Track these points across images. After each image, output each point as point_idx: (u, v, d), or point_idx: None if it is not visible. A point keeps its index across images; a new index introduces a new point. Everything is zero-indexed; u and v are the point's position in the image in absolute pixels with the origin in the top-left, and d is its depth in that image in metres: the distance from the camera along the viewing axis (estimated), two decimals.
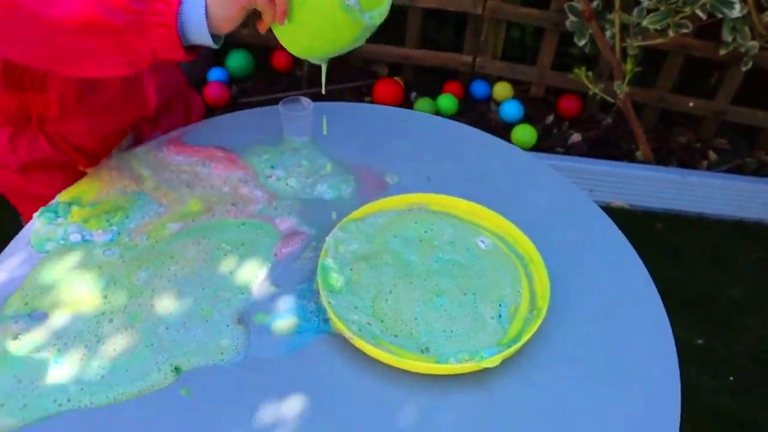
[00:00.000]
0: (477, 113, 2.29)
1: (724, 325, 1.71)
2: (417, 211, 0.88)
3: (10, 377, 0.66)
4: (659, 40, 1.79)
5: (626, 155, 2.12)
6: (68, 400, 0.64)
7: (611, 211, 2.02)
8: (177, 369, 0.67)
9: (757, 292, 1.80)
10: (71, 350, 0.69)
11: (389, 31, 2.47)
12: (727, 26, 1.77)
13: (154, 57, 0.70)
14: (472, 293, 0.76)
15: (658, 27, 1.65)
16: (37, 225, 0.85)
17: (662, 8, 1.62)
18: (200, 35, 0.70)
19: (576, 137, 2.16)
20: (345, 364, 0.70)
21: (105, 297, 0.75)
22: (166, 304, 0.75)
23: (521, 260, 0.81)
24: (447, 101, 2.24)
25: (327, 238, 0.81)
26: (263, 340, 0.71)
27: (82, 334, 0.71)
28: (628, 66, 1.77)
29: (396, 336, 0.71)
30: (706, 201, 2.00)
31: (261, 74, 2.45)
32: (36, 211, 0.88)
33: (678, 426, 0.66)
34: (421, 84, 2.42)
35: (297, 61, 2.44)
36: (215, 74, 2.34)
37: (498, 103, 2.29)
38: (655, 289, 0.82)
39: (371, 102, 2.32)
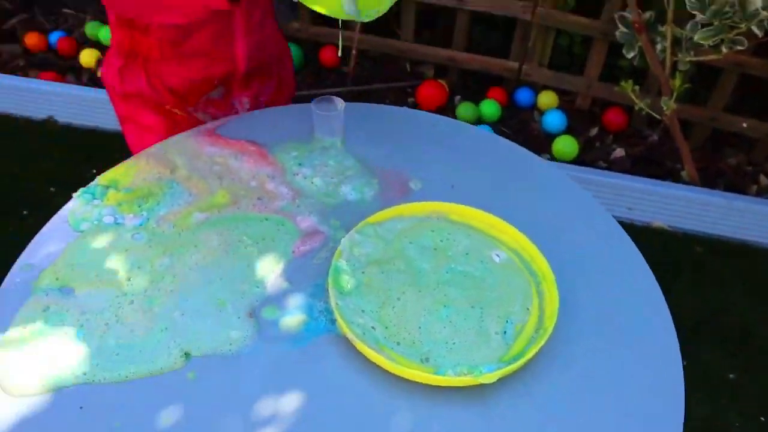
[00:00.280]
0: (519, 121, 2.27)
1: (759, 361, 1.64)
2: (435, 220, 0.89)
3: (34, 347, 0.71)
4: (712, 57, 1.72)
5: (671, 174, 2.05)
6: (84, 374, 0.68)
7: (650, 232, 1.97)
8: (187, 354, 0.71)
9: None
10: (92, 327, 0.73)
11: (437, 31, 2.47)
12: None
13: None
14: (480, 307, 0.76)
15: (710, 43, 1.59)
16: (76, 205, 0.91)
17: (716, 23, 1.56)
18: None
19: (619, 152, 2.10)
20: (348, 366, 0.71)
21: (129, 279, 0.79)
22: (184, 291, 0.78)
23: (534, 277, 0.81)
24: (490, 107, 2.22)
25: (342, 240, 0.82)
26: (271, 333, 0.74)
27: (103, 312, 0.75)
28: (677, 82, 1.71)
29: (398, 343, 0.72)
30: (752, 228, 1.92)
31: (309, 69, 2.49)
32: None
33: None
34: (465, 88, 2.41)
35: (344, 59, 2.46)
36: None
37: (542, 113, 2.26)
38: (669, 317, 0.80)
39: (414, 103, 2.33)
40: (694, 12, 1.59)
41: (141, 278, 0.79)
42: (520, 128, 2.23)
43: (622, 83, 1.85)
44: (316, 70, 2.49)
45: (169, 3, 0.96)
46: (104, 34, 2.48)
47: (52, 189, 1.96)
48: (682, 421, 0.68)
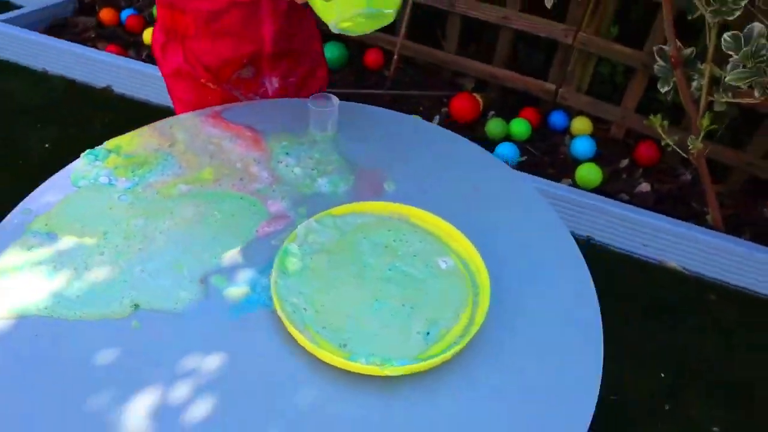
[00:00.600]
0: (549, 144, 2.26)
1: (754, 420, 1.57)
2: (396, 220, 0.93)
3: (11, 278, 0.81)
4: (749, 100, 1.67)
5: (696, 216, 1.99)
6: (45, 308, 0.77)
7: (662, 270, 1.92)
8: (136, 305, 0.79)
9: None
10: (62, 269, 0.82)
11: (482, 46, 2.49)
12: None
13: None
14: (411, 306, 0.80)
15: (742, 85, 1.55)
16: (80, 163, 1.01)
17: (749, 65, 1.51)
18: None
19: (645, 186, 2.06)
20: (275, 340, 0.77)
21: (105, 234, 0.88)
22: (150, 251, 0.86)
23: (474, 288, 0.84)
24: (520, 126, 2.23)
25: (299, 226, 0.88)
26: (215, 300, 0.81)
27: (75, 259, 0.84)
28: (704, 121, 1.67)
29: (324, 327, 0.77)
30: None
31: (352, 68, 2.57)
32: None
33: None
34: (503, 104, 2.42)
35: (386, 62, 2.53)
36: None
37: (573, 137, 2.24)
38: (600, 344, 0.80)
39: (447, 113, 2.37)
40: (728, 51, 1.55)
41: (115, 234, 0.88)
42: (549, 150, 2.23)
43: (651, 117, 1.82)
44: (359, 69, 2.57)
45: None
46: None
47: None
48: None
